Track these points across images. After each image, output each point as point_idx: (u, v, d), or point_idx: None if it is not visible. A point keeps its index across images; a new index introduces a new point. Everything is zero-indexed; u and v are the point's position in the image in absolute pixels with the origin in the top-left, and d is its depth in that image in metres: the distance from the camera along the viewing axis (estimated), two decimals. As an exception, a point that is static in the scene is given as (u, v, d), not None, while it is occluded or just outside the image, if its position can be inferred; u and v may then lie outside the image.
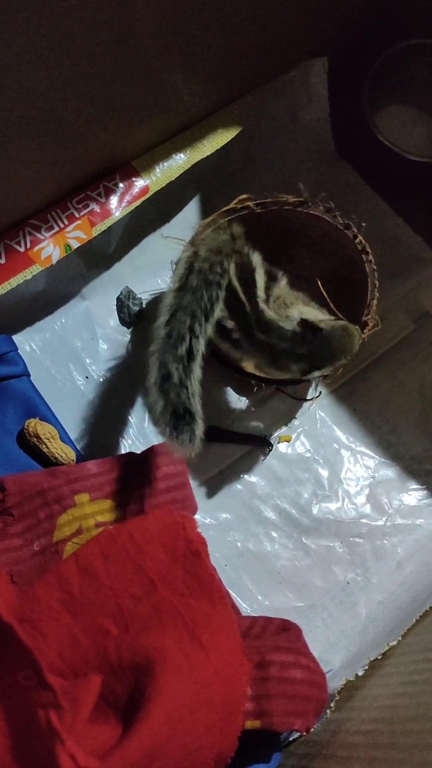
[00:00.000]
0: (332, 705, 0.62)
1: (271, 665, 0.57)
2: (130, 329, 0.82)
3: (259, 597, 0.75)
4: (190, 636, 0.56)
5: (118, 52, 0.59)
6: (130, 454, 0.70)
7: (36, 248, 0.71)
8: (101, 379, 0.80)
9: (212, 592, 0.59)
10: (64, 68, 0.56)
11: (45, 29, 0.51)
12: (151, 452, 0.69)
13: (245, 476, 0.79)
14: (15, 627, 0.43)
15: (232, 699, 0.54)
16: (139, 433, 0.79)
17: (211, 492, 0.78)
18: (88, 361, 0.80)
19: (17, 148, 0.61)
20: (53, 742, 0.42)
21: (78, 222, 0.72)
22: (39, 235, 0.71)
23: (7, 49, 0.50)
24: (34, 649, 0.43)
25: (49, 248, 0.71)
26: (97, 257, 0.82)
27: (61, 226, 0.72)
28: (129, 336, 0.82)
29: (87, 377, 0.80)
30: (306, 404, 0.81)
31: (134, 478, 0.67)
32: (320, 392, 0.82)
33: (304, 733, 0.60)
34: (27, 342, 0.79)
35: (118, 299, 0.82)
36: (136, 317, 0.81)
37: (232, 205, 0.70)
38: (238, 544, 0.77)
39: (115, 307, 0.82)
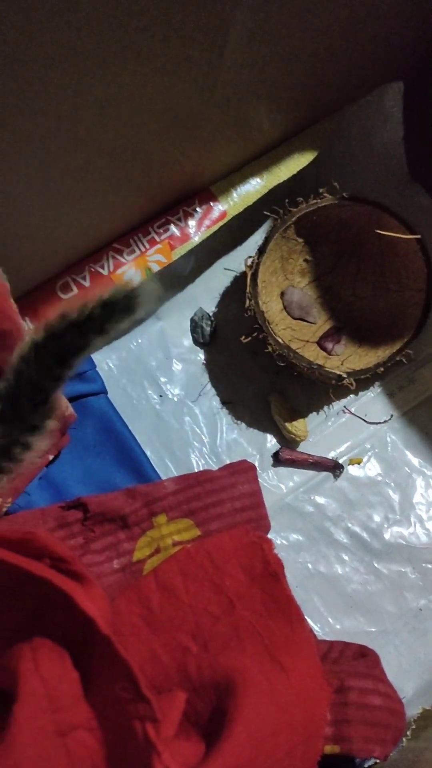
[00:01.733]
0: (408, 733, 0.62)
1: (350, 691, 0.57)
2: (203, 349, 0.83)
3: (330, 620, 0.75)
4: (270, 657, 0.56)
5: (204, 90, 0.61)
6: (206, 472, 0.71)
7: (118, 271, 0.73)
8: (175, 398, 0.81)
9: (291, 614, 0.60)
10: (155, 103, 0.58)
11: (142, 67, 0.53)
12: (227, 471, 0.70)
13: (316, 498, 0.79)
14: (112, 639, 0.45)
15: (312, 723, 0.54)
16: (212, 452, 0.80)
17: (283, 513, 0.78)
18: (162, 379, 0.82)
19: (107, 178, 0.63)
20: (150, 755, 0.43)
21: (158, 246, 0.74)
22: (121, 259, 0.73)
23: (109, 85, 0.52)
24: (131, 662, 0.45)
25: (131, 271, 0.73)
26: (173, 279, 0.83)
27: (143, 249, 0.74)
28: (202, 356, 0.83)
29: (161, 396, 0.81)
30: (377, 427, 0.81)
31: (211, 497, 0.68)
32: (392, 415, 0.82)
33: (382, 761, 0.60)
34: (104, 361, 0.81)
35: (192, 320, 0.84)
36: (210, 338, 0.83)
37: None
38: (309, 565, 0.77)
39: (188, 328, 0.84)
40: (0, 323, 0.61)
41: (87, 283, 0.73)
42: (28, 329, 0.70)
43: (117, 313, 0.50)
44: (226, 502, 0.68)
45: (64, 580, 0.46)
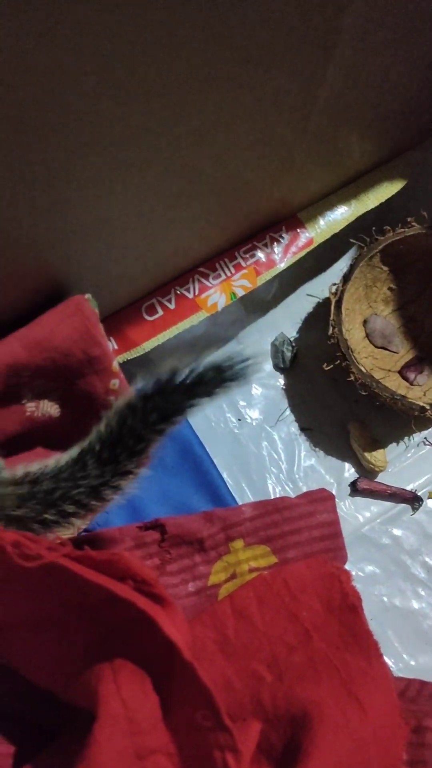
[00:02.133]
0: None
1: (428, 731, 0.56)
2: (283, 374, 0.83)
3: (405, 656, 0.73)
4: (346, 692, 0.55)
5: (299, 120, 0.61)
6: (284, 499, 0.71)
7: (203, 295, 0.74)
8: (254, 423, 0.81)
9: (369, 648, 0.59)
10: (251, 133, 0.59)
11: (242, 97, 0.54)
12: (305, 499, 0.69)
13: (393, 530, 0.78)
14: (195, 667, 0.45)
15: (388, 762, 0.53)
16: (289, 478, 0.79)
17: (358, 543, 0.77)
18: (242, 403, 0.82)
19: (199, 204, 0.64)
20: (228, 785, 0.43)
21: (244, 271, 0.75)
22: (207, 283, 0.74)
23: (208, 116, 0.53)
24: (213, 691, 0.45)
25: (216, 295, 0.74)
26: (256, 303, 0.84)
27: (228, 274, 0.75)
28: (282, 381, 0.83)
29: (240, 419, 0.81)
30: (459, 460, 0.80)
31: (288, 525, 0.68)
32: (475, 449, 0.80)
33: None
34: (185, 382, 0.82)
35: (273, 345, 0.84)
36: (290, 363, 0.83)
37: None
38: (384, 599, 0.75)
39: (269, 352, 0.84)
40: (89, 349, 0.63)
41: (172, 306, 0.74)
42: (113, 350, 0.71)
43: (228, 379, 0.51)
44: (303, 530, 0.67)
45: (147, 603, 0.46)
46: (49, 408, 0.65)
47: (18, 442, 0.65)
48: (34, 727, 0.56)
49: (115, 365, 0.65)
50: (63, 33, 0.38)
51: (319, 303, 0.85)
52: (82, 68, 0.42)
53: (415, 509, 0.78)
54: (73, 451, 0.56)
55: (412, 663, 0.73)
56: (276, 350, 0.83)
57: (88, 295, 0.63)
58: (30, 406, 0.64)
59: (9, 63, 0.38)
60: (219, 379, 0.51)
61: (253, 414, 0.82)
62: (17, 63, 0.38)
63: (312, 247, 0.77)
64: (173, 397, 0.52)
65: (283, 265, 0.76)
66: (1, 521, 0.52)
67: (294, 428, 0.81)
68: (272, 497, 0.78)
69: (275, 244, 0.76)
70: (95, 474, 0.54)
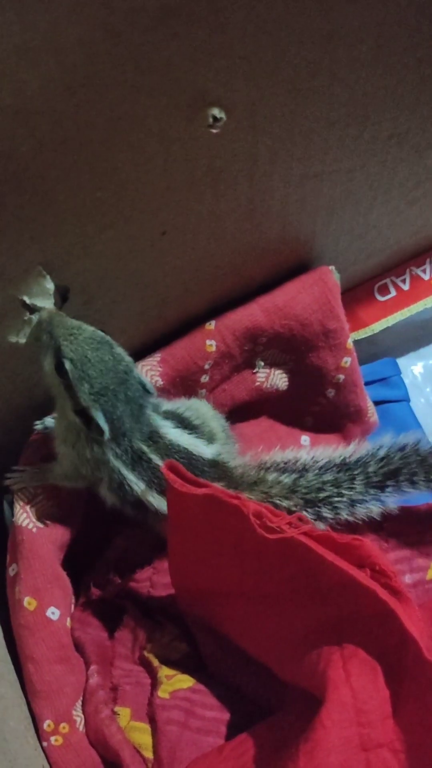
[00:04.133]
0: None
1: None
2: None
3: None
4: None
5: None
6: None
7: (439, 277, 0.70)
8: None
9: None
10: None
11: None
12: None
13: None
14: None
15: None
16: None
17: None
18: None
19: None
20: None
21: None
22: (445, 265, 0.70)
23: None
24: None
25: (453, 279, 0.70)
26: None
27: (470, 255, 0.70)
28: None
29: None
30: None
31: None
32: None
33: None
34: (409, 367, 0.78)
35: None
36: None
37: None
38: None
39: None
40: (327, 321, 0.62)
41: (406, 287, 0.71)
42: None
43: None
44: None
45: (387, 595, 0.45)
46: (278, 380, 0.65)
47: (244, 410, 0.66)
48: (245, 698, 0.57)
49: (350, 343, 0.64)
50: None
51: None
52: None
53: None
54: (334, 456, 0.56)
55: None
56: None
57: (332, 267, 0.62)
58: (260, 376, 0.64)
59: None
60: None
61: None
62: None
63: None
64: None
65: None
66: (244, 491, 0.53)
67: None
68: None
69: None
70: (359, 491, 0.55)
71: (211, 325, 0.60)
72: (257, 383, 0.64)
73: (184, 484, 0.48)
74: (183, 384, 0.60)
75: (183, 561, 0.54)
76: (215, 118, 0.43)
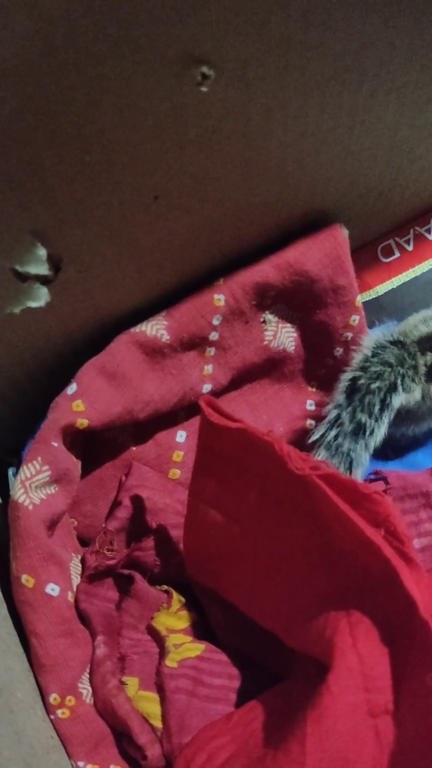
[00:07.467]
0: None
1: None
2: None
3: None
4: None
5: None
6: None
7: (445, 236, 0.68)
8: None
9: None
10: None
11: None
12: None
13: None
14: (430, 625, 0.42)
15: None
16: None
17: None
18: None
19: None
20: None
21: None
22: (450, 223, 0.69)
23: None
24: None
25: (458, 237, 0.68)
26: None
27: None
28: None
29: None
30: None
31: None
32: None
33: None
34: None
35: None
36: None
37: None
38: None
39: None
40: (336, 277, 0.61)
41: (410, 248, 0.69)
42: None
43: None
44: None
45: (393, 555, 0.44)
46: (285, 339, 0.64)
47: (250, 375, 0.66)
48: (254, 666, 0.57)
49: (359, 301, 0.63)
50: None
51: None
52: None
53: None
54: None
55: None
56: None
57: (341, 225, 0.61)
58: (268, 334, 0.63)
59: None
60: None
61: None
62: None
63: None
64: None
65: None
66: None
67: None
68: None
69: None
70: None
71: (220, 281, 0.59)
72: (265, 342, 0.63)
73: (220, 417, 0.48)
74: (191, 340, 0.59)
75: (201, 511, 0.53)
76: (204, 75, 0.42)
